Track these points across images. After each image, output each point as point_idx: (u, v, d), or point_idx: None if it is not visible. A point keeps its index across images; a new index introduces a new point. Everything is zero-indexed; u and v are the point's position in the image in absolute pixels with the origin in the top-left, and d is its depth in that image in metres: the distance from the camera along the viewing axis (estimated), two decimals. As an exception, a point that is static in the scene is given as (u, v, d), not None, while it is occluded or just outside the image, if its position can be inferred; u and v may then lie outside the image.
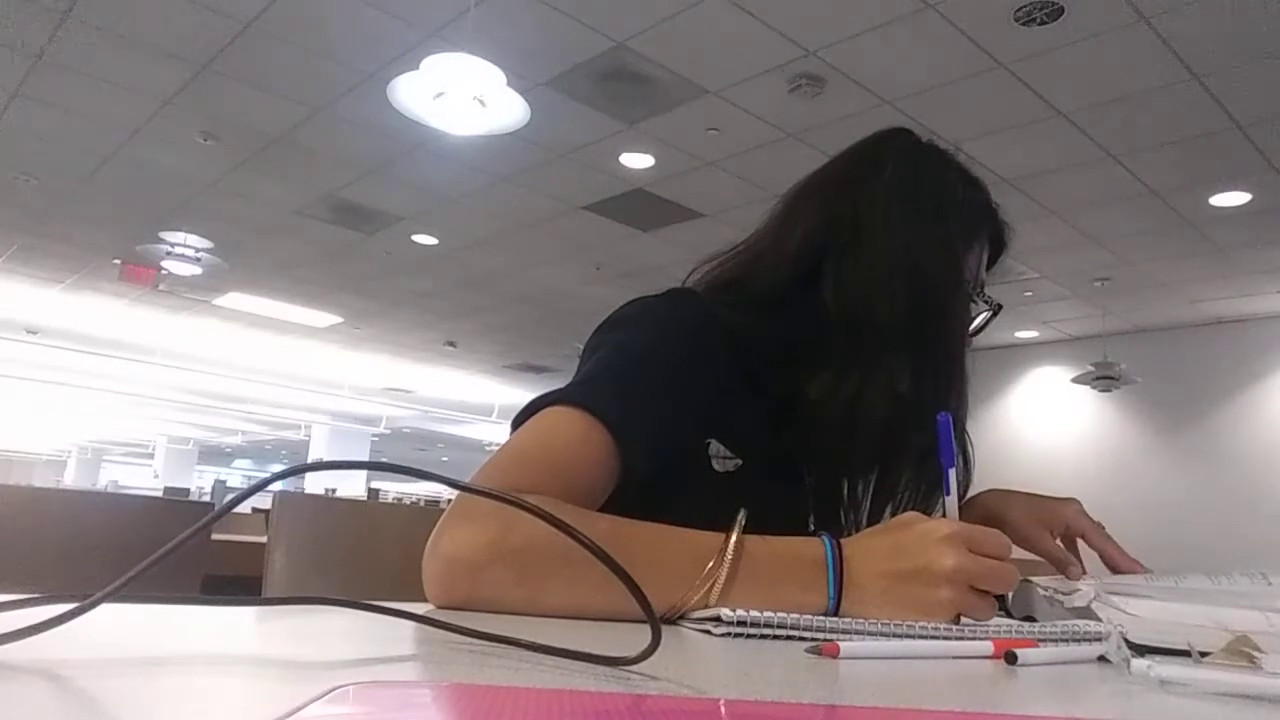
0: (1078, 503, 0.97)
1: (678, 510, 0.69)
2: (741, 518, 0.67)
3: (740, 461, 0.84)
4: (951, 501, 0.70)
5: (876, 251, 0.89)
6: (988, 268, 1.01)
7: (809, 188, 0.97)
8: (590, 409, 0.72)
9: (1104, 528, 0.94)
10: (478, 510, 0.64)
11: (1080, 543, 0.95)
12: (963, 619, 0.64)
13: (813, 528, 0.91)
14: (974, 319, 0.98)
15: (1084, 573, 0.88)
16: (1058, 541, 0.94)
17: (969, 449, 0.96)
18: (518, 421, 0.75)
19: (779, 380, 0.86)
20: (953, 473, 0.72)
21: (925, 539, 0.65)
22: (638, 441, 0.73)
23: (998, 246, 1.01)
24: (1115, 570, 0.91)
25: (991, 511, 0.98)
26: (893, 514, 0.95)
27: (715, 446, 0.83)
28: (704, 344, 0.82)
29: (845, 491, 0.95)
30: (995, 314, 1.01)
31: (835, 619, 0.60)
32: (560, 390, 0.75)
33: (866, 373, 0.85)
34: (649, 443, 0.74)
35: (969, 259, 0.95)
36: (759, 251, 0.93)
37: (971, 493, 1.01)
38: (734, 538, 0.65)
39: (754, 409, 0.84)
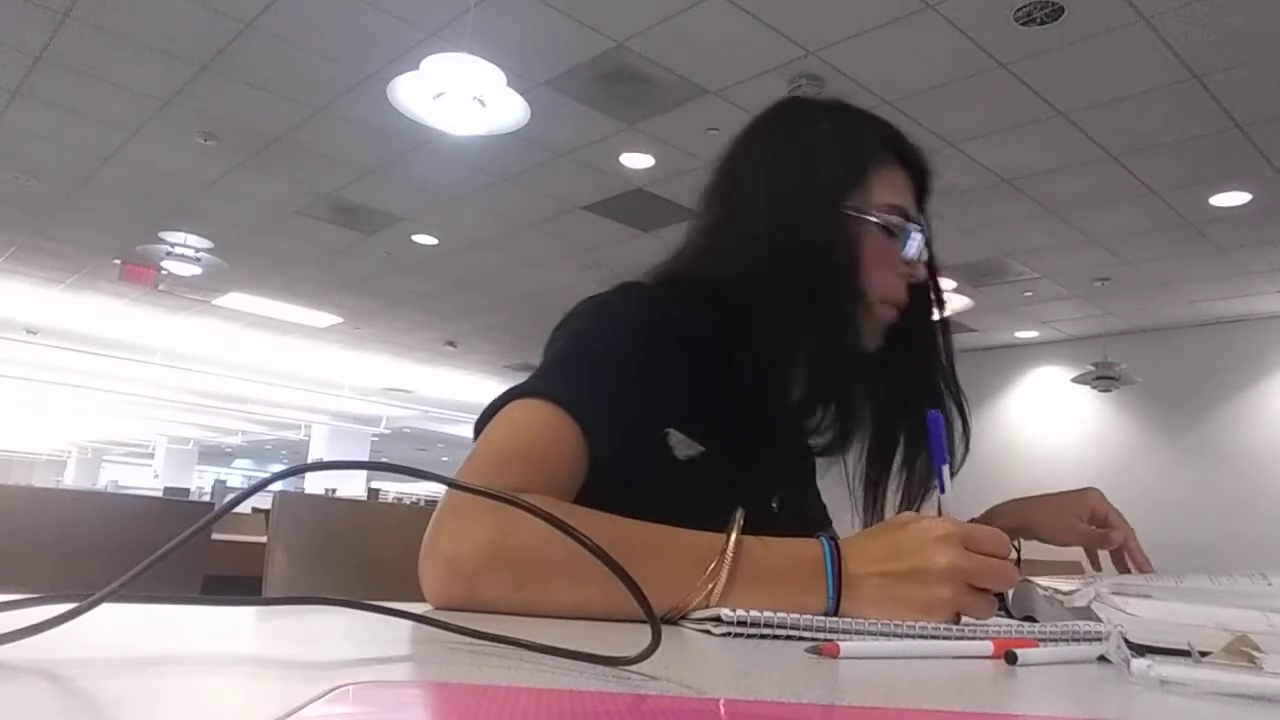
0: (1097, 491, 0.98)
1: (641, 500, 0.68)
2: (739, 516, 0.68)
3: (702, 448, 0.84)
4: (948, 499, 0.70)
5: (741, 220, 0.93)
6: (920, 195, 0.98)
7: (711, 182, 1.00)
8: (556, 400, 0.73)
9: (1123, 515, 0.95)
10: (475, 510, 0.64)
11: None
12: (963, 618, 0.64)
13: (775, 509, 0.92)
14: (905, 248, 0.93)
15: (1129, 544, 0.91)
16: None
17: (963, 405, 0.98)
18: (482, 421, 0.76)
19: (724, 365, 0.86)
20: (946, 470, 0.73)
21: (921, 538, 0.65)
22: (605, 429, 0.74)
23: (916, 171, 0.98)
24: (1124, 567, 0.92)
25: (1015, 523, 0.99)
26: (900, 508, 0.96)
27: (674, 435, 0.83)
28: (656, 335, 0.83)
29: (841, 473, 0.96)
30: (927, 238, 0.96)
31: (835, 619, 0.60)
32: (523, 384, 0.75)
33: (768, 339, 0.85)
34: (615, 430, 0.75)
35: (857, 194, 0.92)
36: (690, 245, 0.97)
37: (980, 503, 1.01)
38: (733, 538, 0.65)
39: (710, 395, 0.84)
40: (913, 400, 0.96)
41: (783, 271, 0.87)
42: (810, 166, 0.92)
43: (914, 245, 0.93)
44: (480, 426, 0.76)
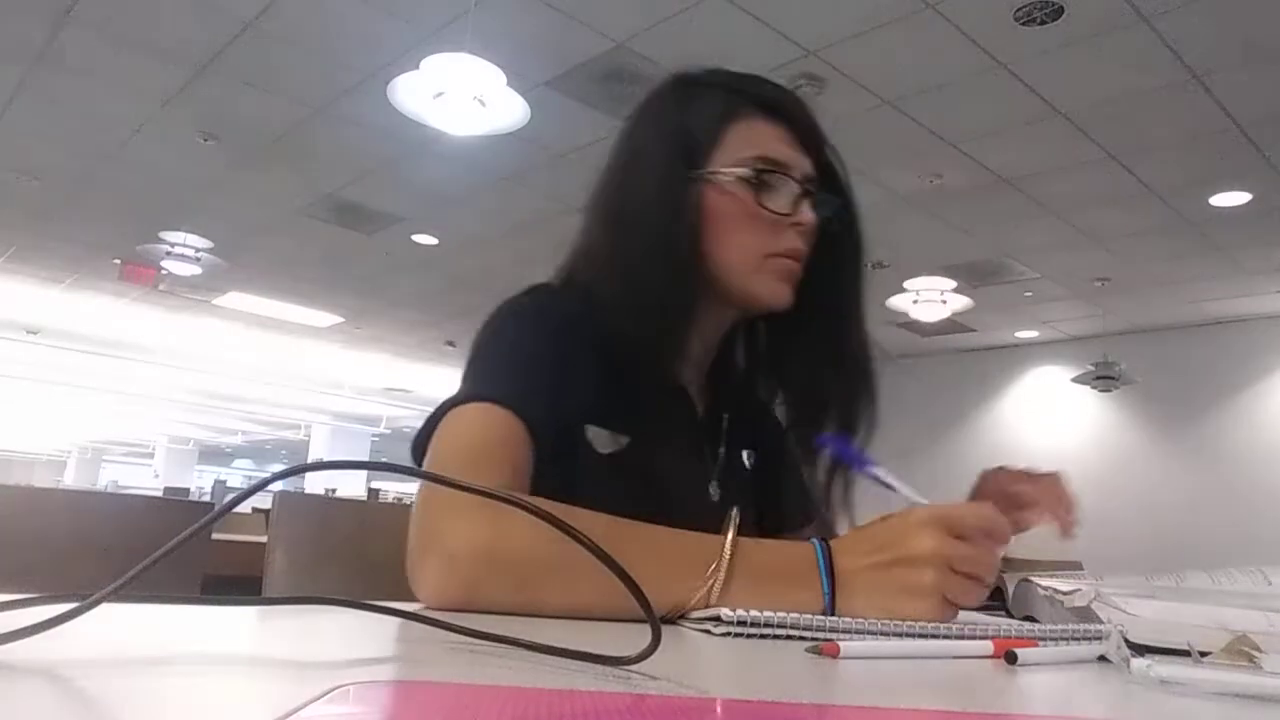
0: (1058, 475, 0.93)
1: (568, 498, 0.67)
2: (735, 515, 0.68)
3: (626, 439, 0.84)
4: (905, 493, 0.69)
5: (594, 207, 0.93)
6: (807, 143, 0.91)
7: None
8: (496, 400, 0.74)
9: (1075, 502, 0.91)
10: (468, 510, 0.63)
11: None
12: (960, 615, 0.64)
13: (715, 498, 0.92)
14: (775, 196, 0.87)
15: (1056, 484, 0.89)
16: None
17: (872, 373, 0.94)
18: (423, 437, 0.76)
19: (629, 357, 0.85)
20: (879, 471, 0.73)
21: (903, 526, 0.66)
22: (543, 423, 0.74)
23: (790, 119, 0.90)
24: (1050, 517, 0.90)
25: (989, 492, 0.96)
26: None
27: (592, 430, 0.83)
28: (565, 332, 0.83)
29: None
30: (813, 185, 0.90)
31: (835, 619, 0.60)
32: (458, 393, 0.76)
33: (612, 320, 0.84)
34: (550, 424, 0.76)
35: (710, 156, 0.87)
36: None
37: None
38: (730, 536, 0.65)
39: (619, 388, 0.83)
40: (827, 358, 0.93)
41: (613, 250, 0.87)
42: (654, 141, 0.90)
43: (782, 194, 0.88)
44: (420, 443, 0.76)
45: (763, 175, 0.87)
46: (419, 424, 0.79)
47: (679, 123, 0.89)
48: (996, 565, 0.67)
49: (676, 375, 0.91)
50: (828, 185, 0.92)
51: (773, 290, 0.89)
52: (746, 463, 1.01)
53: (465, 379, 0.79)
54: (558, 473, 0.75)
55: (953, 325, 7.49)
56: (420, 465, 0.74)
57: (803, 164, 0.90)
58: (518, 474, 0.72)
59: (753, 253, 0.88)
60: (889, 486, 0.70)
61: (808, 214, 0.89)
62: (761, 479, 1.02)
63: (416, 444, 0.77)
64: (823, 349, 0.94)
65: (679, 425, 0.92)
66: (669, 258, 0.85)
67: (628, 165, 0.92)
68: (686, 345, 0.89)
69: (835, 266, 0.94)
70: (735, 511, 0.68)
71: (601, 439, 0.83)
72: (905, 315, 6.88)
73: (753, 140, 0.88)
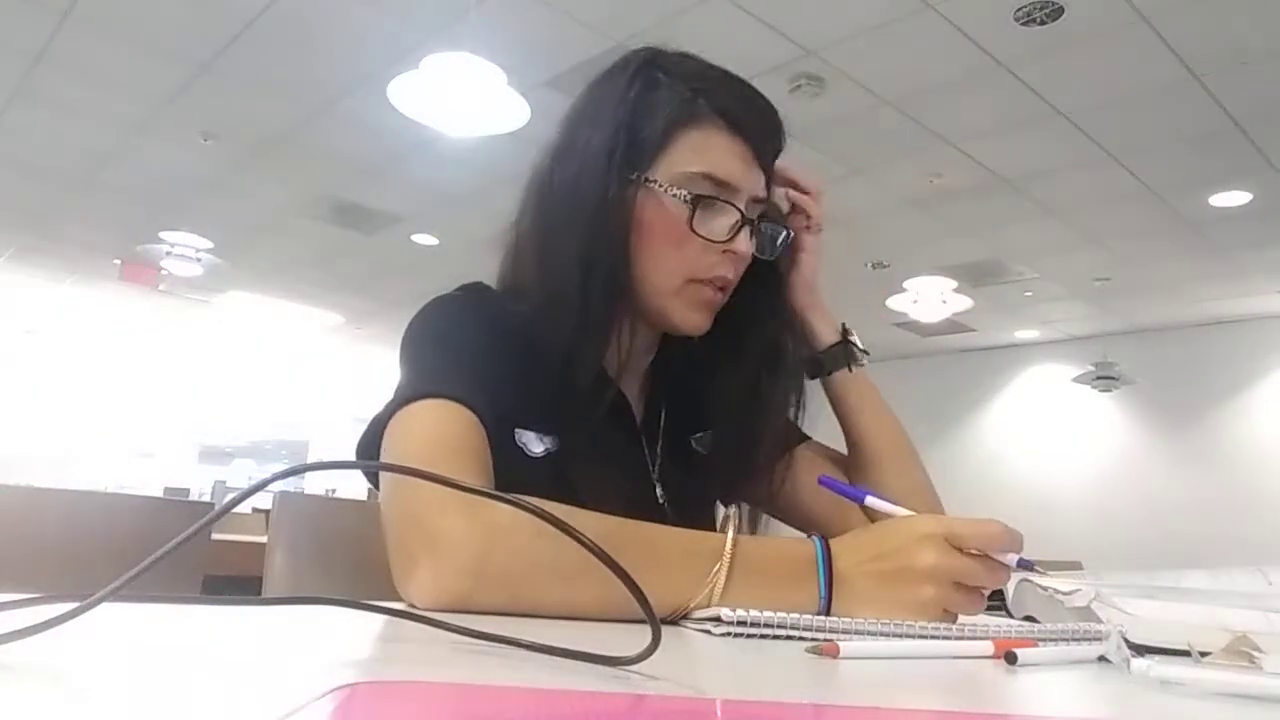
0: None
1: None
2: (732, 513, 0.68)
3: (557, 439, 0.82)
4: (896, 509, 0.69)
5: (529, 188, 0.88)
6: (761, 164, 0.85)
7: None
8: (442, 394, 0.72)
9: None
10: (460, 510, 0.62)
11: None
12: (959, 616, 0.64)
13: (661, 501, 0.89)
14: (711, 223, 0.82)
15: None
16: None
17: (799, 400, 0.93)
18: (370, 437, 0.74)
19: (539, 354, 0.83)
20: (872, 499, 0.73)
21: (908, 537, 0.65)
22: (488, 414, 0.73)
23: (748, 133, 0.84)
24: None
25: None
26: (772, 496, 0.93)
27: (521, 435, 0.81)
28: (492, 330, 0.81)
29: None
30: (749, 224, 0.83)
31: (835, 619, 0.60)
32: (402, 392, 0.74)
33: (534, 322, 0.81)
34: (491, 413, 0.73)
35: (653, 159, 0.82)
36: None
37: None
38: (731, 535, 0.65)
39: (550, 390, 0.81)
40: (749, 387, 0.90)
41: (540, 242, 0.84)
42: (601, 128, 0.82)
43: (719, 221, 0.82)
44: (367, 446, 0.74)
45: (701, 199, 0.81)
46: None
47: (630, 114, 0.82)
48: (1004, 578, 0.67)
49: (610, 379, 0.86)
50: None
51: (687, 318, 0.85)
52: (699, 448, 0.97)
53: (405, 377, 0.77)
54: (494, 472, 0.73)
55: (953, 325, 7.48)
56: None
57: (752, 184, 0.84)
58: (486, 470, 0.71)
59: (675, 275, 0.83)
60: (892, 510, 0.70)
61: (743, 245, 0.83)
62: (726, 450, 0.95)
63: (364, 447, 0.75)
64: (749, 366, 0.91)
65: (614, 429, 0.88)
66: (590, 264, 0.80)
67: (568, 149, 0.85)
68: (605, 353, 0.83)
69: (764, 287, 0.91)
70: (734, 510, 0.68)
71: (530, 441, 0.81)
72: (905, 315, 6.88)
73: (703, 152, 0.82)
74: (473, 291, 0.89)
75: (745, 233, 0.83)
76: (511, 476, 0.71)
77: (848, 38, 3.61)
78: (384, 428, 0.73)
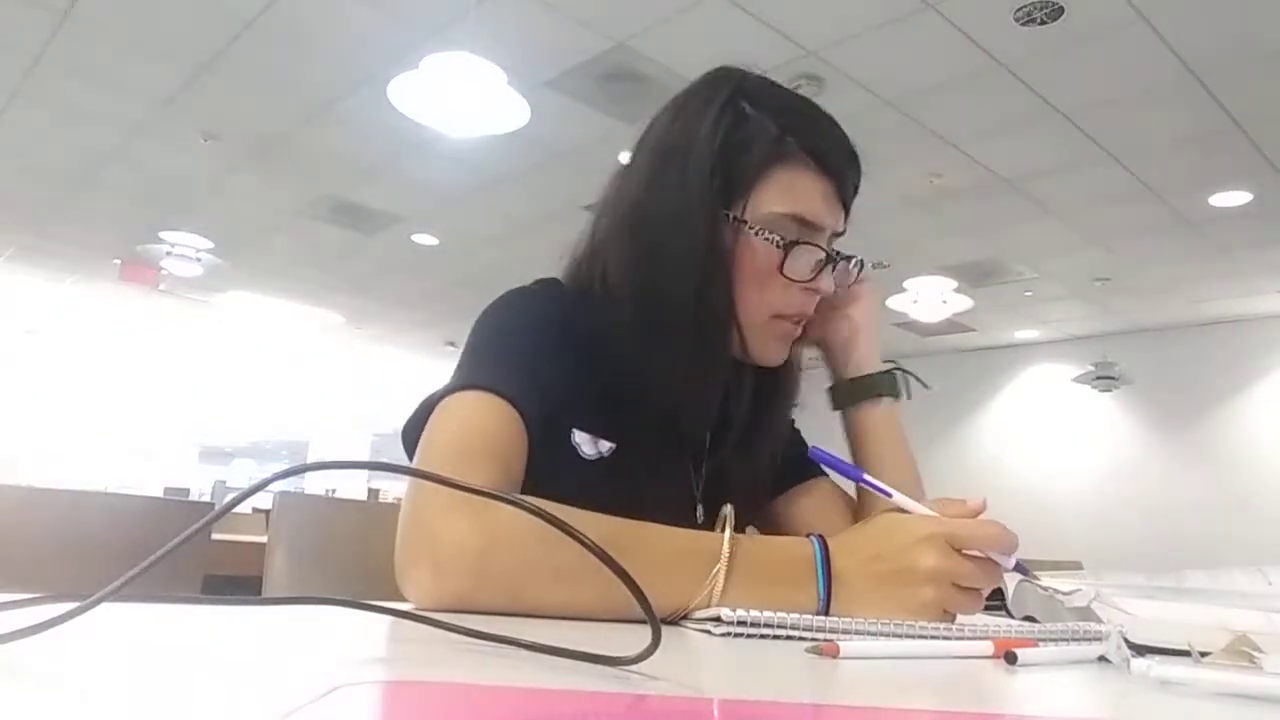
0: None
1: (547, 497, 0.67)
2: (730, 513, 0.68)
3: (613, 445, 0.83)
4: (900, 499, 0.69)
5: (617, 209, 0.88)
6: (843, 200, 0.87)
7: None
8: (489, 387, 0.72)
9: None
10: (462, 509, 0.62)
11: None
12: (958, 617, 0.64)
13: (700, 520, 0.90)
14: (797, 263, 0.83)
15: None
16: None
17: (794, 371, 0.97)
18: (415, 424, 0.74)
19: (612, 362, 0.83)
20: (870, 478, 0.72)
21: (906, 539, 0.65)
22: (534, 411, 0.73)
23: (832, 172, 0.85)
24: None
25: None
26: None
27: (579, 435, 0.82)
28: (564, 330, 0.82)
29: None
30: (832, 261, 0.86)
31: (835, 619, 0.60)
32: (455, 380, 0.75)
33: (625, 341, 0.82)
34: (541, 411, 0.74)
35: (743, 196, 0.83)
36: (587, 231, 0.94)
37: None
38: (728, 535, 0.65)
39: (610, 394, 0.82)
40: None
41: (638, 269, 0.83)
42: (692, 159, 0.83)
43: (805, 261, 0.84)
44: (411, 432, 0.74)
45: (790, 242, 0.82)
46: (419, 424, 0.77)
47: (722, 150, 0.83)
48: (999, 579, 0.67)
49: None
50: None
51: (767, 350, 0.87)
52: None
53: (461, 365, 0.78)
54: (543, 470, 0.73)
55: (953, 325, 7.48)
56: (411, 454, 0.73)
57: (835, 222, 0.87)
58: (512, 467, 0.71)
59: (761, 311, 0.85)
60: (885, 493, 0.70)
61: (826, 284, 0.86)
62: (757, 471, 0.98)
63: (407, 432, 0.76)
64: (784, 392, 0.97)
65: (668, 444, 0.89)
66: (708, 311, 0.82)
67: (659, 181, 0.85)
68: (721, 397, 0.87)
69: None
70: (730, 510, 0.68)
71: (584, 442, 0.82)
72: (905, 315, 6.88)
73: (792, 192, 0.83)
74: (548, 287, 0.89)
75: (828, 270, 0.86)
76: (560, 476, 0.72)
77: (848, 38, 3.61)
78: (429, 412, 0.74)
